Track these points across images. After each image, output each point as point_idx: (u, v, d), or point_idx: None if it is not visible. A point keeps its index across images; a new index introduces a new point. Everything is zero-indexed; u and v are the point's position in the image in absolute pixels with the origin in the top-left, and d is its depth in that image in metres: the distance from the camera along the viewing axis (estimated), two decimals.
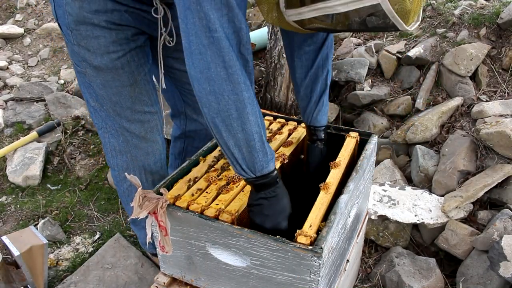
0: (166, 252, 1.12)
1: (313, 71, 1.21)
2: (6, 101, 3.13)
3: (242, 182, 1.17)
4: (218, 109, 0.89)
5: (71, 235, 2.14)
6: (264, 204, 1.03)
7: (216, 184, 1.18)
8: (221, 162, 1.28)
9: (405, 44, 2.59)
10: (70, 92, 3.23)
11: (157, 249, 1.16)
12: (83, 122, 2.88)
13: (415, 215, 1.84)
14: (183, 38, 0.87)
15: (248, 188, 1.14)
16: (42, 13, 4.53)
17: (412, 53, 2.43)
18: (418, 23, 0.91)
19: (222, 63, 0.85)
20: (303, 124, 1.47)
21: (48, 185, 2.51)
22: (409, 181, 2.13)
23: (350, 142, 1.34)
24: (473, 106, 2.17)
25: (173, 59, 1.49)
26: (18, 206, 2.34)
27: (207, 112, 0.91)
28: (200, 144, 1.74)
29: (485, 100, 2.22)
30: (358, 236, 1.42)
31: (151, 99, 1.40)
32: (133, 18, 1.24)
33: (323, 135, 1.32)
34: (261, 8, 0.95)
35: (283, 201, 1.04)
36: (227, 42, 0.84)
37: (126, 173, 1.08)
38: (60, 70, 3.70)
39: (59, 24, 1.25)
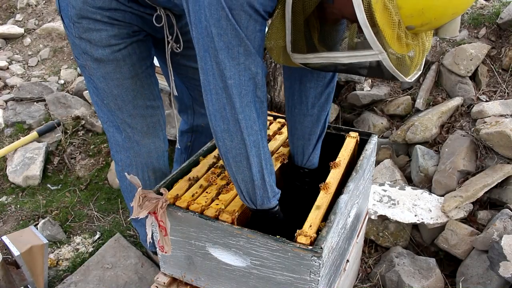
0: (166, 252, 1.12)
1: (315, 111, 1.18)
2: (6, 101, 3.13)
3: None
4: (231, 146, 0.95)
5: (71, 235, 2.14)
6: (258, 221, 1.10)
7: (216, 184, 1.18)
8: (221, 162, 1.28)
9: None
10: (70, 92, 3.23)
11: (157, 248, 1.16)
12: (83, 122, 2.88)
13: (415, 215, 1.84)
14: (201, 75, 0.92)
15: None
16: (42, 13, 4.53)
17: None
18: (420, 72, 0.95)
19: (234, 109, 0.90)
20: None
21: (48, 185, 2.51)
22: (409, 181, 2.13)
23: (350, 142, 1.34)
24: (473, 106, 2.17)
25: (181, 56, 1.47)
26: (18, 206, 2.34)
27: (221, 146, 0.97)
28: (207, 139, 1.73)
29: (485, 100, 2.22)
30: (358, 236, 1.42)
31: (153, 93, 1.39)
32: (136, 18, 1.24)
33: (313, 176, 1.31)
34: (271, 53, 1.00)
35: (275, 226, 1.09)
36: (239, 90, 0.88)
37: (126, 173, 1.09)
38: (60, 70, 3.69)
39: (61, 16, 1.25)
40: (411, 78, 0.91)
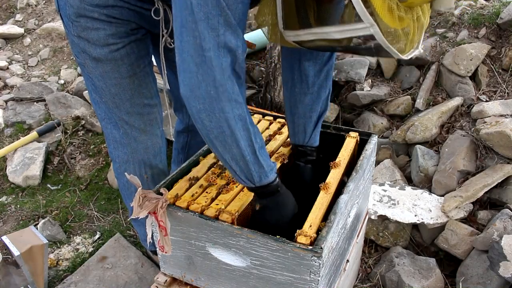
0: (166, 252, 1.12)
1: (315, 89, 1.18)
2: (6, 101, 3.13)
3: None
4: (211, 126, 0.90)
5: (71, 235, 2.14)
6: (265, 213, 1.06)
7: (216, 184, 1.18)
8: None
9: None
10: (70, 92, 3.23)
11: (157, 248, 1.16)
12: (83, 122, 2.88)
13: (415, 215, 1.84)
14: (176, 56, 0.87)
15: None
16: (42, 13, 4.53)
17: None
18: (418, 50, 0.91)
19: (213, 82, 0.85)
20: None
21: (48, 185, 2.51)
22: (409, 181, 2.13)
23: (350, 142, 1.34)
24: (473, 106, 2.18)
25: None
26: (18, 206, 2.34)
27: (201, 129, 0.92)
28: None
29: (485, 100, 2.22)
30: (358, 236, 1.42)
31: (150, 92, 1.39)
32: (134, 14, 1.24)
33: (316, 154, 1.30)
34: (263, 30, 0.97)
35: (284, 212, 1.06)
36: (219, 61, 0.84)
37: (126, 173, 1.09)
38: (60, 70, 3.69)
39: (60, 15, 1.26)
40: (407, 56, 0.88)
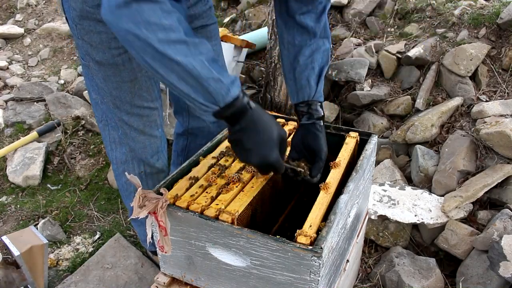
0: (165, 252, 1.12)
1: (314, 41, 1.15)
2: (6, 101, 3.13)
3: (242, 183, 1.17)
4: (141, 46, 0.81)
5: (71, 235, 2.14)
6: (243, 138, 0.93)
7: (216, 184, 1.18)
8: (222, 162, 1.28)
9: (405, 44, 2.59)
10: (70, 92, 3.23)
11: (157, 248, 1.16)
12: (83, 122, 2.88)
13: (415, 215, 1.84)
14: None
15: (248, 188, 1.14)
16: (42, 13, 4.53)
17: (412, 53, 2.43)
18: None
19: None
20: None
21: (48, 185, 2.51)
22: (409, 181, 2.13)
23: (350, 142, 1.34)
24: (473, 106, 2.18)
25: None
26: (18, 206, 2.34)
27: (134, 54, 0.84)
28: (203, 141, 1.73)
29: (485, 100, 2.22)
30: (358, 236, 1.42)
31: (151, 95, 1.40)
32: None
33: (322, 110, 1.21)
34: None
35: (264, 129, 0.93)
36: None
37: (126, 173, 1.09)
38: (60, 70, 3.70)
39: (66, 18, 1.28)
40: None
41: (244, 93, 0.92)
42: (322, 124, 1.18)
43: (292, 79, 1.20)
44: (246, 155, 0.95)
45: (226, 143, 1.39)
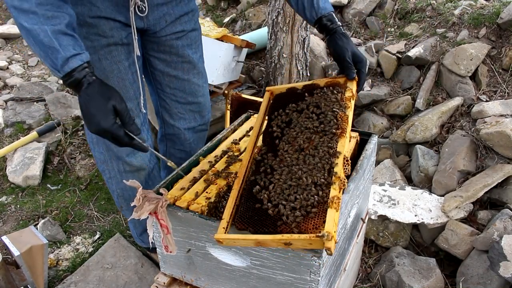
0: (170, 252, 1.11)
1: None
2: (6, 101, 3.13)
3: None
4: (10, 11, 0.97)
5: (71, 235, 2.14)
6: (82, 107, 1.02)
7: (216, 184, 1.18)
8: (221, 162, 1.28)
9: (405, 44, 2.59)
10: (70, 92, 3.23)
11: (157, 248, 1.16)
12: (82, 122, 2.88)
13: (415, 215, 1.84)
14: None
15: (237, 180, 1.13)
16: None
17: (412, 53, 2.43)
18: None
19: None
20: None
21: (48, 185, 2.51)
22: (409, 181, 2.13)
23: (350, 142, 1.34)
24: (473, 106, 2.18)
25: (158, 60, 1.50)
26: (18, 206, 2.34)
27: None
28: (182, 146, 1.74)
29: (485, 100, 2.22)
30: (358, 236, 1.42)
31: (125, 95, 1.39)
32: (104, 5, 1.23)
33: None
34: None
35: (99, 101, 1.01)
36: None
37: (124, 180, 1.09)
38: None
39: None
40: None
41: (88, 67, 1.02)
42: (342, 31, 1.21)
43: (295, 2, 1.24)
44: (87, 124, 1.03)
45: (226, 143, 1.39)
